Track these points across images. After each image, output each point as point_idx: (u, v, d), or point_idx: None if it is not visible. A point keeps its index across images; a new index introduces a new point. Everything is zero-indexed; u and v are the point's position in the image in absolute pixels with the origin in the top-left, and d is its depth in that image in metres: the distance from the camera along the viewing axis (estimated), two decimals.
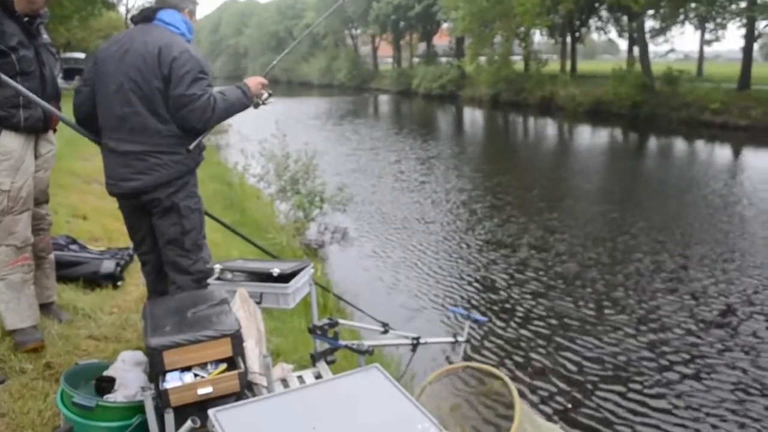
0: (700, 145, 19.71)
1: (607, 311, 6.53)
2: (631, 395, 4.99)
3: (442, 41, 50.79)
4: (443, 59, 46.77)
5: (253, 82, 3.10)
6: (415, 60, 52.07)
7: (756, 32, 23.95)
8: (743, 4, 23.13)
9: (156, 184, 2.88)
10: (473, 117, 31.67)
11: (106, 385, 2.46)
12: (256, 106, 3.12)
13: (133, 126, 2.84)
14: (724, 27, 25.67)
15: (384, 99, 43.21)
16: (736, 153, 18.16)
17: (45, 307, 3.39)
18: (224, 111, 2.91)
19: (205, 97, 2.81)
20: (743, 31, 24.31)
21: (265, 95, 3.15)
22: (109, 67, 2.89)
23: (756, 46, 24.80)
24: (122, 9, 33.10)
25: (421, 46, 52.20)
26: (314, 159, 9.82)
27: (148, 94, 2.81)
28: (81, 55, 26.57)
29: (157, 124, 2.83)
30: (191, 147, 2.96)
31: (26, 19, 3.00)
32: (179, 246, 2.99)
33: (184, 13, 3.00)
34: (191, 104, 2.80)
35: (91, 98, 2.97)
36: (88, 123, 3.04)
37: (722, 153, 18.40)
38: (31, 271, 3.13)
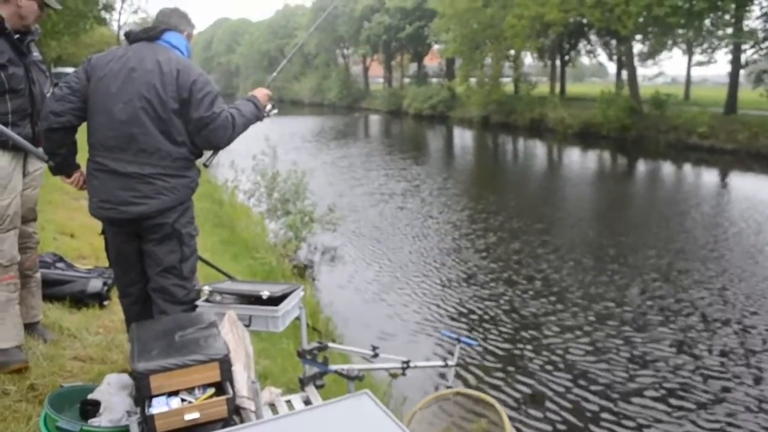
0: (687, 168, 19.91)
1: (598, 335, 6.51)
2: (625, 422, 4.96)
3: (432, 62, 51.22)
4: (434, 80, 47.12)
5: (260, 94, 3.10)
6: (406, 80, 52.40)
7: (744, 60, 24.29)
8: (729, 31, 23.48)
9: (162, 208, 2.79)
10: (463, 138, 31.82)
11: (90, 408, 2.41)
12: (262, 118, 3.12)
13: (142, 147, 2.74)
14: (713, 51, 26.02)
15: (375, 119, 43.34)
16: (723, 176, 18.35)
17: (30, 327, 3.34)
18: (243, 126, 2.92)
19: (224, 115, 2.81)
20: (730, 56, 24.69)
21: (269, 107, 3.15)
22: (112, 84, 2.75)
23: (743, 72, 25.15)
24: (114, 25, 33.24)
25: (412, 67, 52.59)
26: (305, 179, 9.80)
27: (163, 115, 2.74)
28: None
29: (168, 146, 2.77)
30: (208, 162, 3.09)
31: (17, 36, 2.98)
32: (176, 274, 2.89)
33: (183, 36, 2.99)
34: (212, 123, 2.78)
35: (78, 111, 2.81)
36: (62, 135, 2.85)
37: (709, 177, 18.55)
38: (17, 291, 3.08)
